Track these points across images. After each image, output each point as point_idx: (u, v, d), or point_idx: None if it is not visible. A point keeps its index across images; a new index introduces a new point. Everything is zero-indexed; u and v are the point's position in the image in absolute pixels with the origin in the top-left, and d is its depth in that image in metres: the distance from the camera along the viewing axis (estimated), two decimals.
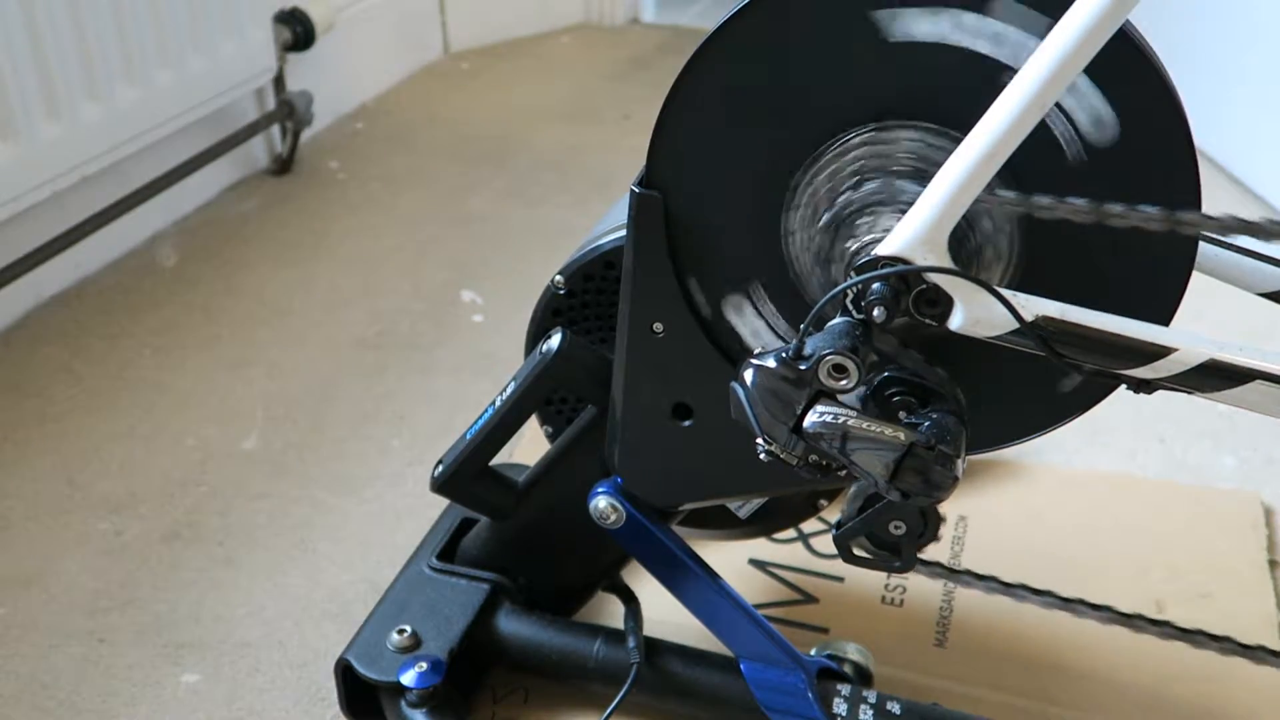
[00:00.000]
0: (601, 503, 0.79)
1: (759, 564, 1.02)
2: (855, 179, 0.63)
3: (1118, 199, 0.56)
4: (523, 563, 0.88)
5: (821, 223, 0.64)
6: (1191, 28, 1.78)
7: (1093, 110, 0.59)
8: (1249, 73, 1.69)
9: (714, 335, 0.70)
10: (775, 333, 0.69)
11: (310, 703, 0.90)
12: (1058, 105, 0.59)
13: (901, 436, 0.57)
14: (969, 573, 0.87)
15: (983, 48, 0.60)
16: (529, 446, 1.13)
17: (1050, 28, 0.54)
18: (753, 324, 0.70)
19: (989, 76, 0.59)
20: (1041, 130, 0.59)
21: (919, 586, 0.98)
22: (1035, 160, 0.60)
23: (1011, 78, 0.55)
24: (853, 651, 0.86)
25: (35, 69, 1.29)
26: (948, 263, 0.58)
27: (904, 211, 0.58)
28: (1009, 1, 0.59)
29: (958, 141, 0.56)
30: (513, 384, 0.83)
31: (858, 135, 0.63)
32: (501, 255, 1.58)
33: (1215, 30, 1.76)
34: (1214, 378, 0.57)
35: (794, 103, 0.63)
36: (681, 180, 0.67)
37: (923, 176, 0.60)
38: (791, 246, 0.66)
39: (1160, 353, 0.57)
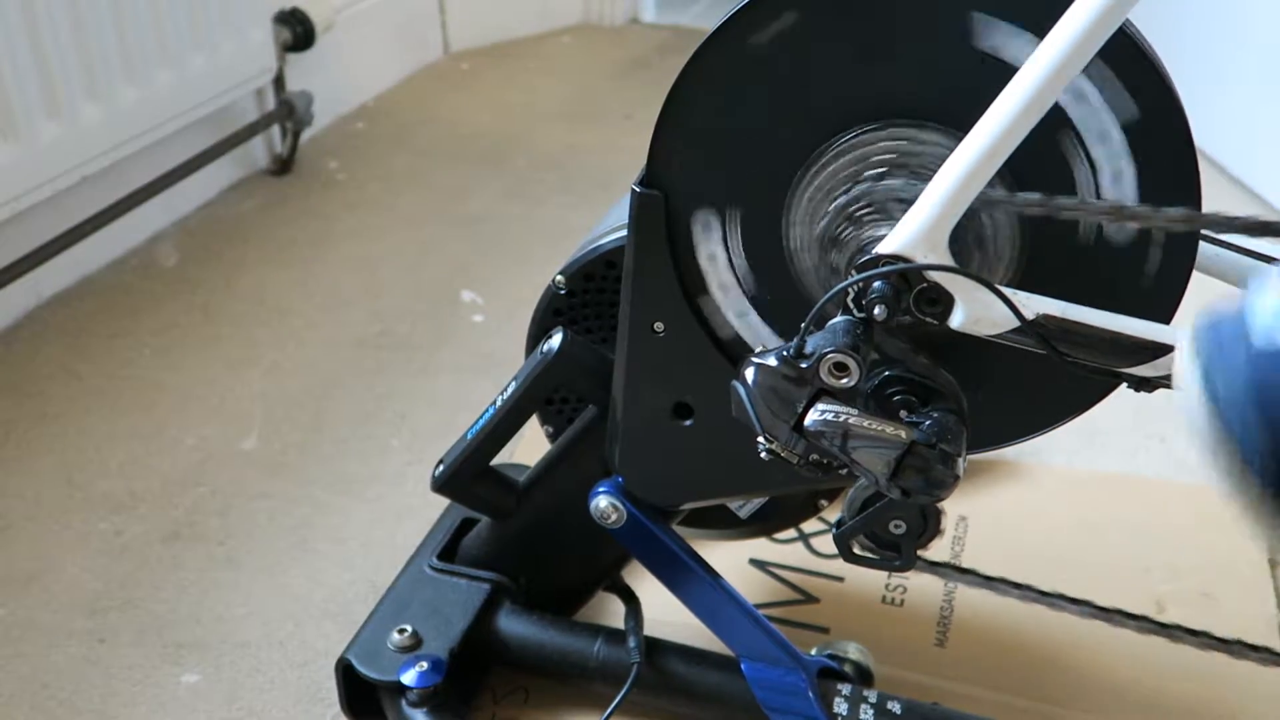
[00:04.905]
0: (602, 502, 0.79)
1: (759, 564, 1.02)
2: (856, 178, 0.63)
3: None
4: (523, 563, 0.88)
5: (823, 221, 0.64)
6: (1190, 26, 1.78)
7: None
8: (1247, 71, 1.69)
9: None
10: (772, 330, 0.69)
11: (310, 703, 0.90)
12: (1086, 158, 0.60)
13: (903, 434, 0.57)
14: (969, 572, 0.87)
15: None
16: (529, 446, 1.13)
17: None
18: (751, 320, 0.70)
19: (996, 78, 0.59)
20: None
21: (919, 586, 0.98)
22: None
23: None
24: (853, 651, 0.87)
25: (35, 69, 1.29)
26: (948, 261, 0.58)
27: (905, 210, 0.58)
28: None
29: (959, 140, 0.56)
30: (513, 384, 0.83)
31: (859, 135, 0.63)
32: (501, 255, 1.58)
33: (1214, 29, 1.76)
34: None
35: (795, 102, 0.63)
36: (682, 180, 0.67)
37: (924, 175, 0.60)
38: (792, 244, 0.66)
39: (1161, 350, 0.57)
